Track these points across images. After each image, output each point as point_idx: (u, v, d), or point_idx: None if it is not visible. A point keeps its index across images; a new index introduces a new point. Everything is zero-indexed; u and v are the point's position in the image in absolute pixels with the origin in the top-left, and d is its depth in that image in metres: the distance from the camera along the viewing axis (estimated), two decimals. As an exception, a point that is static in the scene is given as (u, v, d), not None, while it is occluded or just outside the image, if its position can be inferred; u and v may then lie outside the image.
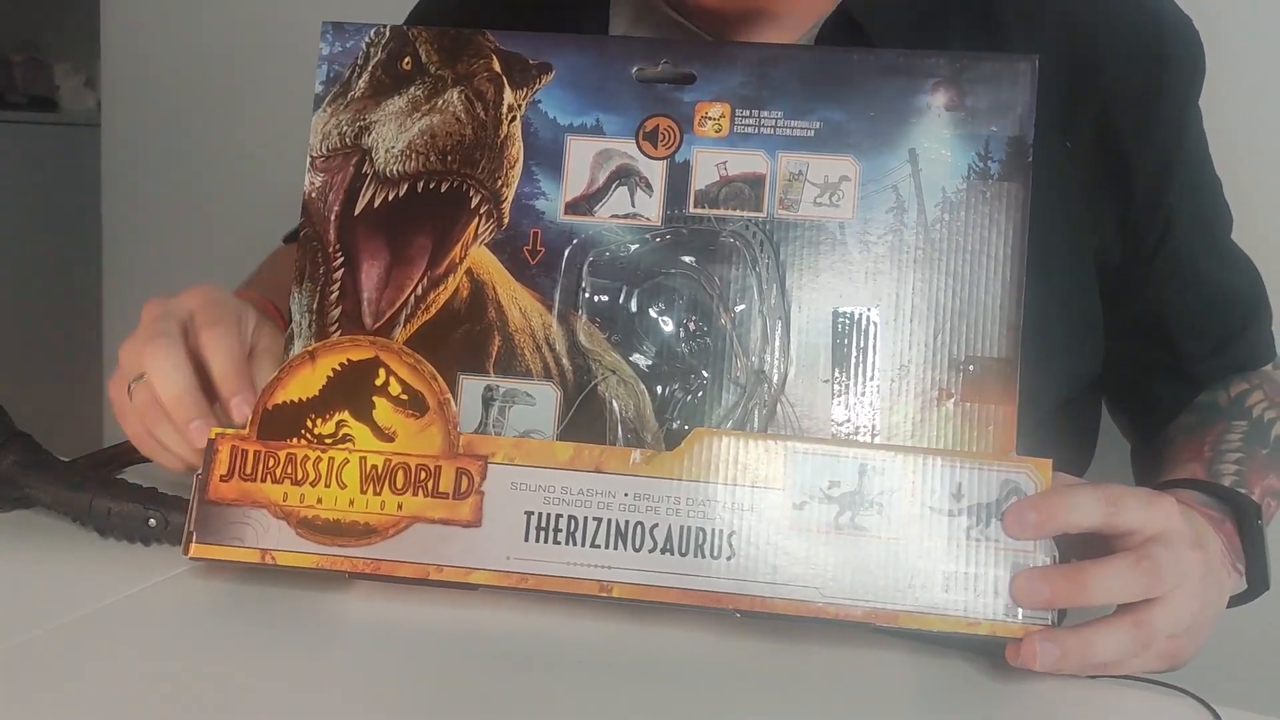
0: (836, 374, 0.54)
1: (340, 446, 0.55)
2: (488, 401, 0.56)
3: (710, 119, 0.57)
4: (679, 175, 0.57)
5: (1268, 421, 0.69)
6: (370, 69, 0.60)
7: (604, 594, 0.52)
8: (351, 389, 0.55)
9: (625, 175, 0.57)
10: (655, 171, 0.57)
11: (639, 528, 0.52)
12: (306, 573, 0.54)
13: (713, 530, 0.52)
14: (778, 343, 0.55)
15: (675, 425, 0.55)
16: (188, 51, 1.67)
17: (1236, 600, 0.57)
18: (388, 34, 0.60)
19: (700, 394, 0.55)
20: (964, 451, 0.52)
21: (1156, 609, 0.50)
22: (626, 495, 0.52)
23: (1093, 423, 0.80)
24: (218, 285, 0.63)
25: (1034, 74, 0.55)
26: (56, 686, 0.47)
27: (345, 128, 0.60)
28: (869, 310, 0.54)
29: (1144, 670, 0.52)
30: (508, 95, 0.58)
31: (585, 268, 0.57)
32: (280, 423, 0.55)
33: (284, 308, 0.62)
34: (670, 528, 0.52)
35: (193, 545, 0.54)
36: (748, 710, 0.48)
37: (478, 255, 0.58)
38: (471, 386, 0.56)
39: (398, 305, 0.58)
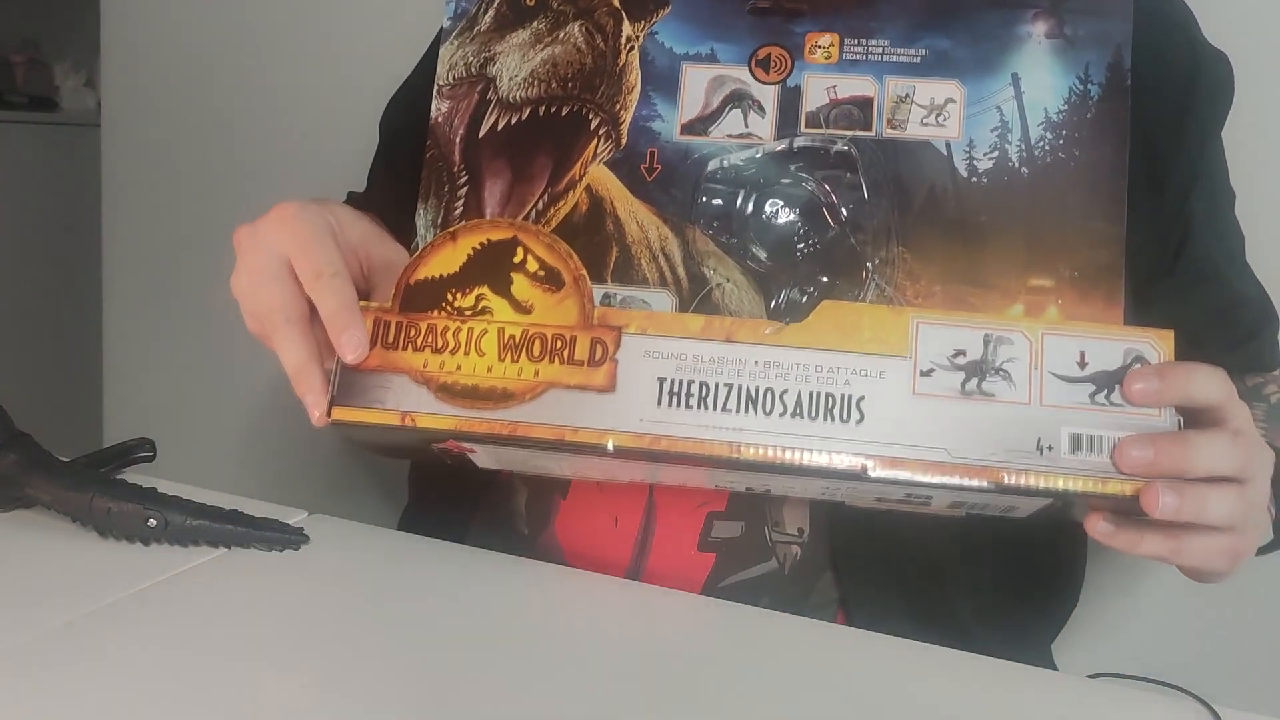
0: (944, 284, 0.58)
1: (479, 318, 0.56)
2: (605, 310, 0.59)
3: (820, 47, 0.61)
4: (790, 99, 0.60)
5: None
6: (495, 5, 0.64)
7: (734, 455, 0.53)
8: (491, 266, 0.57)
9: (739, 99, 0.61)
10: (767, 95, 0.61)
11: (769, 393, 0.54)
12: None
13: (842, 395, 0.53)
14: (888, 251, 0.58)
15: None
16: (188, 51, 1.67)
17: (1264, 550, 0.59)
18: None
19: (815, 297, 0.59)
20: (1087, 323, 0.55)
21: (1247, 485, 0.52)
22: (756, 363, 0.54)
23: None
24: (298, 204, 0.60)
25: (1129, 3, 0.59)
26: (56, 686, 0.47)
27: (471, 59, 0.64)
28: (976, 221, 0.58)
29: (1214, 566, 0.54)
30: (626, 27, 0.62)
31: (702, 177, 0.60)
32: (421, 296, 0.57)
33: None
34: (800, 393, 0.53)
35: (334, 409, 0.56)
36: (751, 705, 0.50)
37: (596, 173, 0.61)
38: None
39: (519, 220, 0.61)
